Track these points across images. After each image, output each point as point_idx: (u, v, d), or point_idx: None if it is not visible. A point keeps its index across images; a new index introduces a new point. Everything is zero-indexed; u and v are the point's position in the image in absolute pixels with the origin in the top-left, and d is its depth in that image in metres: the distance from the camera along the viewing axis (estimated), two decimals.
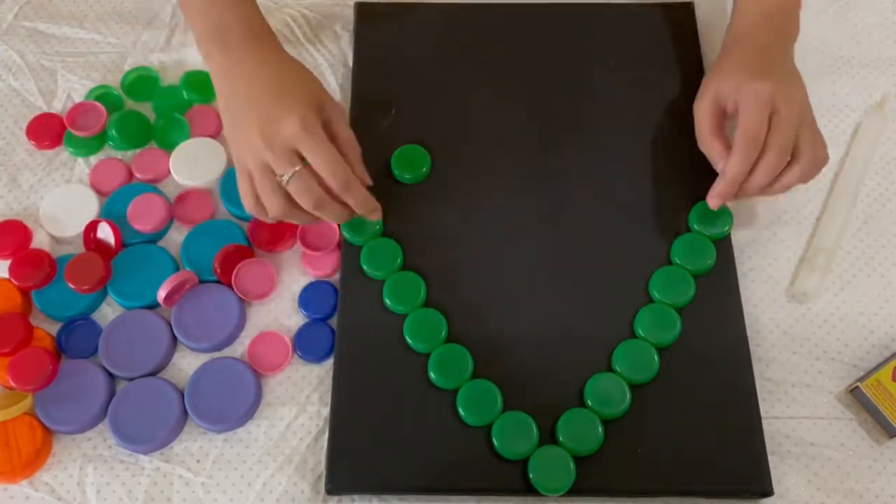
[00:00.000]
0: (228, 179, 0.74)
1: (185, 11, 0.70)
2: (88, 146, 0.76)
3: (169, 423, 0.64)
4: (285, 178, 0.62)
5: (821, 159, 0.66)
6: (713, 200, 0.67)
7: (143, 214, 0.72)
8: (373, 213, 0.67)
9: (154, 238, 0.72)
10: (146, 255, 0.71)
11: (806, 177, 0.66)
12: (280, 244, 0.71)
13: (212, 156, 0.75)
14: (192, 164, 0.75)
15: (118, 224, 0.71)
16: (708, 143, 0.68)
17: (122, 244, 0.71)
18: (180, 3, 0.71)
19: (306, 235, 0.71)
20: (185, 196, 0.74)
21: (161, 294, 0.67)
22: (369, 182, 0.67)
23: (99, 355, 0.67)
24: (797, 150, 0.65)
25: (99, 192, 0.74)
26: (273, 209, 0.64)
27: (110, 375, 0.67)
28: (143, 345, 0.67)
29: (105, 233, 0.71)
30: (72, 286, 0.68)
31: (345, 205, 0.65)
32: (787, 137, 0.65)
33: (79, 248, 0.72)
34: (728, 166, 0.65)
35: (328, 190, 0.64)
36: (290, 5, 0.83)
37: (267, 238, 0.71)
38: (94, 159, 0.76)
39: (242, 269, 0.70)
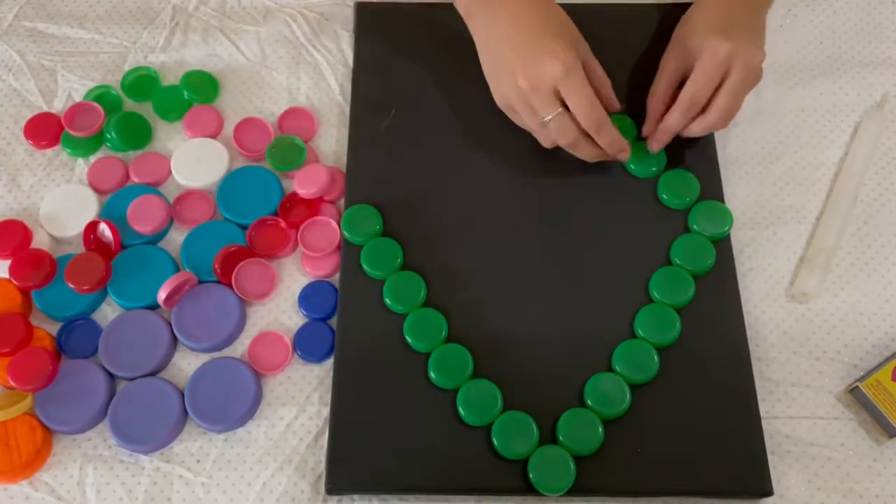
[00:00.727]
0: (226, 185, 0.74)
1: None
2: (86, 146, 0.76)
3: (169, 423, 0.64)
4: (546, 118, 0.66)
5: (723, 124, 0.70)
6: (654, 146, 0.71)
7: (143, 216, 0.72)
8: (621, 153, 0.69)
9: (154, 239, 0.72)
10: (146, 256, 0.71)
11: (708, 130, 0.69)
12: (280, 249, 0.71)
13: (213, 157, 0.75)
14: (193, 165, 0.75)
15: (118, 225, 0.71)
16: (655, 102, 0.71)
17: (121, 245, 0.71)
18: None
19: (307, 237, 0.71)
20: (184, 197, 0.74)
21: (161, 296, 0.67)
22: (618, 107, 0.71)
23: (99, 355, 0.67)
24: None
25: (97, 191, 0.74)
26: (546, 142, 0.69)
27: (110, 375, 0.67)
28: (143, 345, 0.67)
29: (105, 233, 0.71)
30: (72, 286, 0.68)
31: (597, 145, 0.69)
32: (732, 104, 0.68)
33: (79, 248, 0.72)
34: (666, 118, 0.69)
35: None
36: (290, 5, 0.83)
37: (266, 244, 0.71)
38: (92, 159, 0.76)
39: (242, 269, 0.70)
